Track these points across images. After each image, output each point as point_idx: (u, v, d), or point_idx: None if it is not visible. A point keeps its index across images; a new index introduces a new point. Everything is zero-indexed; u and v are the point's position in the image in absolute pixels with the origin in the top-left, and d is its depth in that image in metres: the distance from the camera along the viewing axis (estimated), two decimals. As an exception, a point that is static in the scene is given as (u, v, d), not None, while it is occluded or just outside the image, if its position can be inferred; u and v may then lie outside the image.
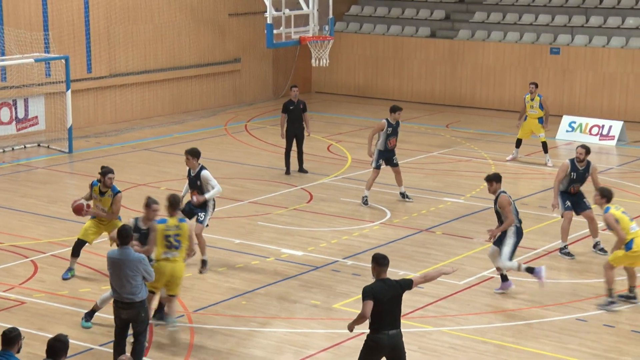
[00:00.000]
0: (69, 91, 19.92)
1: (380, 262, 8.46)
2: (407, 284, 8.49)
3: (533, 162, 19.34)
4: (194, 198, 12.00)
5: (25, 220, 14.60)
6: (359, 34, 28.10)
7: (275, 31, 19.10)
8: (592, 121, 21.94)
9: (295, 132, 17.71)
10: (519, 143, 19.07)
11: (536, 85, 18.85)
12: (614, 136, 21.42)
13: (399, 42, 27.29)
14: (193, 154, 12.00)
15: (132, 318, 9.15)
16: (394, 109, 15.80)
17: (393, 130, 15.85)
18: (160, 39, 24.11)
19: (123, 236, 9.17)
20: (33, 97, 21.27)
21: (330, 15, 20.29)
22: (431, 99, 26.73)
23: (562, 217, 13.14)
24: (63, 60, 19.86)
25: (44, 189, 16.63)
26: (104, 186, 11.79)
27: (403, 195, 16.07)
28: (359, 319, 8.40)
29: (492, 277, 12.21)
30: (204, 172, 12.03)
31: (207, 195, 11.98)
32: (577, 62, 24.74)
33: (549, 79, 25.16)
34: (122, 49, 23.21)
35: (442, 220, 14.97)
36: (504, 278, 11.66)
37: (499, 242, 11.55)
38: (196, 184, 12.07)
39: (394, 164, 15.98)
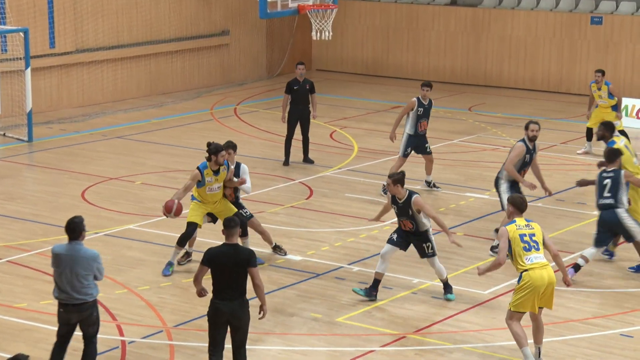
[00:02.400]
0: (29, 69, 19.92)
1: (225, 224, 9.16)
2: None
3: (569, 150, 19.33)
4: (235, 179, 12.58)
5: (-23, 221, 14.64)
6: (366, 1, 28.07)
7: (269, -1, 19.09)
8: (639, 103, 21.92)
9: (299, 117, 17.74)
10: (589, 134, 18.81)
11: (603, 73, 18.86)
12: (666, 121, 21.41)
13: (413, 11, 27.25)
14: (235, 147, 12.85)
15: (84, 320, 9.22)
16: (424, 85, 15.95)
17: (425, 111, 16.01)
18: (135, 8, 24.10)
19: (71, 230, 9.14)
20: (-13, 77, 21.28)
21: (334, -20, 20.26)
22: (451, 78, 26.72)
23: (504, 209, 13.39)
24: (21, 33, 19.86)
25: (-1, 183, 16.69)
26: (216, 164, 12.29)
27: (429, 183, 16.20)
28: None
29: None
30: (244, 166, 12.97)
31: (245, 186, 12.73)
32: (623, 33, 24.71)
33: (589, 54, 25.13)
34: (90, 20, 23.21)
35: (463, 219, 14.98)
36: None
37: None
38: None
39: (426, 152, 16.18)
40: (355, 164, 18.27)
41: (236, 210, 12.66)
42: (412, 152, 16.22)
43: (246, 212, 13.05)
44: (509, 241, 9.81)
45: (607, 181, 12.59)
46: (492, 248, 13.58)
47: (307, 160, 17.99)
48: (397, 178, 11.66)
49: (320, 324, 11.16)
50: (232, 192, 12.83)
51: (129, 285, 12.18)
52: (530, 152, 13.58)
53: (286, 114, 17.79)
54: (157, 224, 14.58)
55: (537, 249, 9.82)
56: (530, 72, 25.75)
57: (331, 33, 21.45)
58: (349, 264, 12.98)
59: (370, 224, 14.52)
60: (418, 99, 16.07)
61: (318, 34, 20.81)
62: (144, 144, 19.75)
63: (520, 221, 9.93)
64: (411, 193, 11.70)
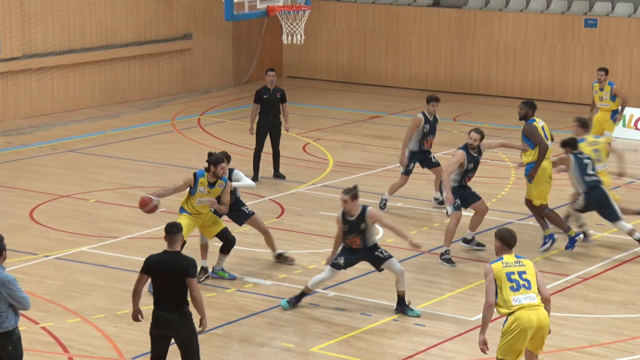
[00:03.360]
0: (-29, 77, 19.81)
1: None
2: None
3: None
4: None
5: None
6: (342, 2, 28.18)
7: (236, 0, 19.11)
8: (638, 112, 22.09)
9: (269, 128, 17.76)
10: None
11: (606, 72, 18.93)
12: (666, 131, 21.61)
13: (393, 13, 27.39)
14: (229, 159, 13.19)
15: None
16: (431, 99, 16.20)
17: (431, 127, 16.07)
18: (88, 9, 24.05)
19: None
20: None
21: (305, -21, 20.33)
22: (434, 85, 26.84)
23: (448, 215, 14.10)
24: (-37, 38, 19.74)
25: (-62, 202, 16.54)
26: (213, 176, 12.65)
27: (439, 200, 16.46)
28: None
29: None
30: (237, 171, 13.49)
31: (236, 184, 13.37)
32: (619, 36, 24.95)
33: (583, 59, 25.34)
34: (39, 22, 23.13)
35: (448, 239, 15.01)
36: None
37: None
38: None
39: (433, 164, 16.43)
40: (330, 179, 18.28)
41: (225, 226, 13.04)
42: (416, 166, 16.40)
43: (248, 209, 13.59)
44: (495, 280, 9.38)
45: (587, 161, 14.49)
46: (442, 255, 14.01)
47: (277, 175, 17.99)
48: (355, 193, 11.98)
49: (293, 355, 11.14)
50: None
51: (82, 314, 12.10)
52: (474, 158, 14.22)
53: (254, 126, 17.79)
54: (113, 246, 14.51)
55: (528, 288, 9.36)
56: (519, 78, 25.92)
57: (303, 37, 21.52)
58: (324, 289, 12.97)
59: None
60: (424, 114, 16.13)
61: (289, 37, 20.88)
62: (99, 158, 19.68)
63: (508, 258, 9.51)
64: (364, 207, 12.02)
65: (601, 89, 18.90)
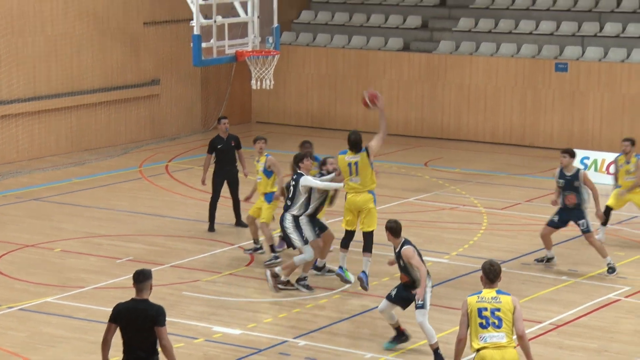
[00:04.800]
0: None
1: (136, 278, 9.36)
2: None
3: (535, 209, 19.58)
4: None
5: None
6: (312, 46, 28.39)
7: (204, 44, 19.20)
8: (610, 156, 22.29)
9: (226, 177, 17.76)
10: (607, 213, 17.00)
11: (632, 143, 16.98)
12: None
13: (363, 57, 27.60)
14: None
15: None
16: None
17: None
18: (54, 55, 24.07)
19: None
20: None
21: (275, 24, 20.49)
22: (405, 130, 27.01)
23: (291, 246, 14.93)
24: None
25: None
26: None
27: None
28: None
29: None
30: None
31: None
32: (590, 81, 25.25)
33: (554, 103, 25.61)
34: (3, 69, 23.11)
35: (421, 286, 15.02)
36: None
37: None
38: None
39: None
40: (300, 226, 18.29)
41: None
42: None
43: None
44: (468, 314, 9.30)
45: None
46: (299, 281, 14.64)
47: (239, 224, 17.95)
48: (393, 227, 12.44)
49: (263, 406, 11.06)
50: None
51: (47, 366, 11.99)
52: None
53: (205, 176, 17.80)
54: (79, 296, 14.42)
55: (498, 327, 9.19)
56: (491, 123, 26.14)
57: (273, 82, 21.56)
58: (294, 338, 12.93)
59: (319, 292, 14.53)
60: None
61: (258, 82, 20.93)
62: (64, 206, 19.60)
63: (487, 293, 9.36)
64: (404, 242, 12.46)
65: (627, 162, 16.91)
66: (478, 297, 9.39)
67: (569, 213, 15.41)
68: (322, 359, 12.29)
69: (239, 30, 20.28)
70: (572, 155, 15.54)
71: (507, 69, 26.05)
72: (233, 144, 17.77)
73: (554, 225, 15.57)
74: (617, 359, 12.42)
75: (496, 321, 9.25)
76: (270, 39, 20.87)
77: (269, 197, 15.91)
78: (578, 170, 15.45)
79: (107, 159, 23.95)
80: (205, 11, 19.19)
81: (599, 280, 15.25)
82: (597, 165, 22.24)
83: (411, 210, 19.45)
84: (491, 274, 9.43)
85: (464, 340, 9.37)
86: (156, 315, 9.24)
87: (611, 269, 15.33)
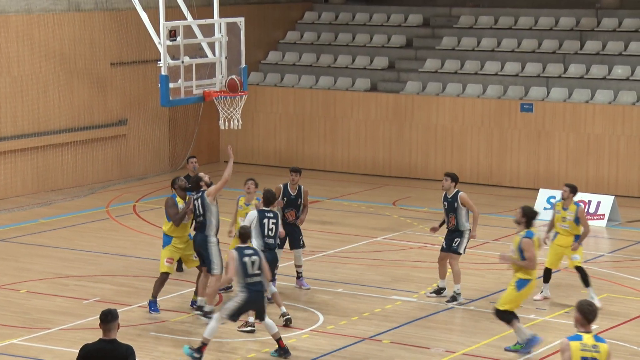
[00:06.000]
0: None
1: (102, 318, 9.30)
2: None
3: (502, 248, 19.63)
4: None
5: None
6: (279, 87, 28.49)
7: (171, 85, 19.20)
8: (586, 197, 22.44)
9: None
10: (547, 275, 16.30)
11: (572, 189, 16.12)
12: (603, 215, 21.99)
13: (330, 97, 27.73)
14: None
15: None
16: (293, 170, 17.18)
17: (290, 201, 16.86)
18: (20, 95, 23.98)
19: None
20: None
21: (243, 64, 20.52)
22: (373, 170, 27.10)
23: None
24: None
25: None
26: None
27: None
28: None
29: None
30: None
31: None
32: (555, 121, 25.49)
33: (520, 143, 25.81)
34: (-31, 108, 23.00)
35: (390, 325, 15.03)
36: None
37: None
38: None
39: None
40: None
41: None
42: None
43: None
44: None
45: None
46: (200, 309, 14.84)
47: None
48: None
49: None
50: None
51: (13, 409, 11.83)
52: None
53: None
54: (45, 338, 14.27)
55: None
56: (457, 163, 26.29)
57: (240, 122, 21.57)
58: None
59: (287, 332, 14.48)
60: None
61: (226, 122, 20.93)
62: (30, 247, 19.44)
63: (587, 339, 9.06)
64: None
65: (564, 208, 16.11)
66: (581, 344, 9.05)
67: (451, 234, 16.07)
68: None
69: (207, 70, 20.32)
70: (454, 179, 16.10)
71: (474, 109, 26.25)
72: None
73: (442, 249, 16.24)
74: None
75: None
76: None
77: None
78: (457, 192, 16.07)
79: (74, 199, 23.82)
80: (173, 52, 19.22)
81: (566, 319, 15.30)
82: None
83: (380, 250, 19.46)
84: (591, 315, 9.15)
85: None
86: (126, 355, 9.16)
87: (453, 298, 15.97)
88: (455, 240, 16.03)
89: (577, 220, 15.96)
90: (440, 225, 16.46)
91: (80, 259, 18.55)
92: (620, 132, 24.85)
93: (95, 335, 9.55)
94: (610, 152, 24.93)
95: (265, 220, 15.01)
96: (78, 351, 9.30)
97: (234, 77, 17.35)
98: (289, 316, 14.81)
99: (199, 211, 14.89)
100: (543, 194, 22.90)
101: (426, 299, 16.24)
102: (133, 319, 15.05)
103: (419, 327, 14.92)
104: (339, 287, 16.79)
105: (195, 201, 14.98)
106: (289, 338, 14.33)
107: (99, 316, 9.38)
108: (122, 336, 13.65)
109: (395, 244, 19.92)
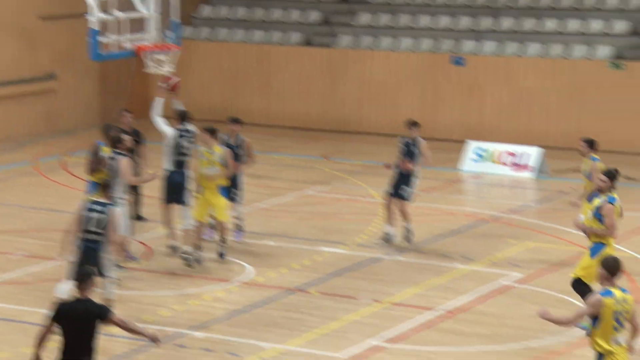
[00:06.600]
0: None
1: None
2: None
3: (433, 199, 19.83)
4: None
5: None
6: (212, 41, 28.25)
7: (102, 39, 18.97)
8: (503, 148, 22.70)
9: None
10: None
11: (590, 144, 15.35)
12: (531, 166, 22.23)
13: (264, 52, 27.58)
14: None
15: None
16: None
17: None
18: (-54, 49, 23.56)
19: None
20: None
21: (175, 19, 20.35)
22: (306, 123, 27.07)
23: None
24: None
25: None
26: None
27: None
28: None
29: (382, 348, 12.40)
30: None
31: None
32: (487, 75, 25.64)
33: (453, 97, 25.94)
34: None
35: (319, 276, 15.11)
36: None
37: None
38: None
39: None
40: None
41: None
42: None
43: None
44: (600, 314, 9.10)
45: None
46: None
47: (139, 217, 17.78)
48: None
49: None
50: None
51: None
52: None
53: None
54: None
55: (623, 327, 9.21)
56: (391, 117, 26.36)
57: (172, 68, 21.43)
58: (191, 330, 12.88)
59: (216, 284, 14.47)
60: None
61: (156, 70, 20.74)
62: (-43, 202, 19.20)
63: (618, 294, 9.19)
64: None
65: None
66: (614, 299, 9.17)
67: (401, 178, 16.35)
68: (220, 350, 12.26)
69: (139, 25, 20.11)
70: (414, 124, 16.58)
71: (407, 63, 26.30)
72: (136, 139, 17.54)
73: (390, 194, 16.45)
74: (509, 344, 12.65)
75: (624, 322, 9.25)
76: (170, 34, 20.74)
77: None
78: (417, 138, 16.51)
79: (2, 153, 23.50)
80: (104, 5, 19.00)
81: (492, 267, 15.52)
82: (491, 156, 22.59)
83: (309, 202, 19.51)
84: (616, 269, 9.23)
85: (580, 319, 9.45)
86: (99, 314, 9.09)
87: (386, 239, 16.27)
88: (402, 186, 16.31)
89: (590, 176, 15.10)
90: (389, 167, 16.55)
91: (9, 213, 18.34)
92: (551, 86, 25.09)
93: (22, 290, 9.48)
94: (541, 105, 25.17)
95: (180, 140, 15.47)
96: (54, 310, 9.10)
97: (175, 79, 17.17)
98: (189, 256, 15.02)
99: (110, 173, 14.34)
100: (472, 146, 23.05)
101: (355, 250, 16.34)
102: (60, 274, 14.93)
103: (347, 278, 15.02)
104: (270, 240, 16.82)
105: (110, 160, 14.53)
106: (218, 290, 14.34)
107: (74, 276, 9.31)
108: (46, 287, 13.48)
109: (326, 197, 19.98)
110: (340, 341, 12.52)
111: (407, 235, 16.40)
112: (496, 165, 22.35)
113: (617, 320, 9.15)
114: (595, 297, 9.22)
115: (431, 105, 26.16)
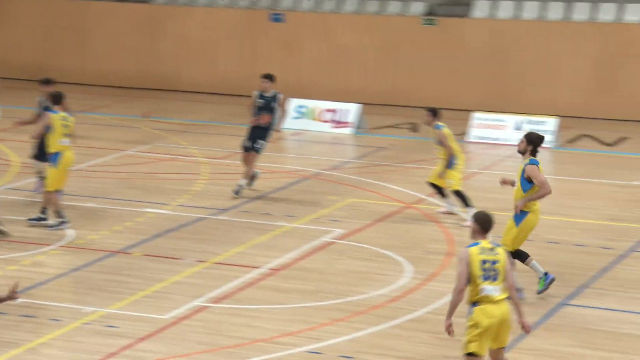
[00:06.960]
0: None
1: None
2: None
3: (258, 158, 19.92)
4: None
5: None
6: (23, -4, 27.41)
7: None
8: (323, 105, 23.00)
9: None
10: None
11: (434, 113, 15.68)
12: (350, 123, 22.62)
13: (80, 8, 26.93)
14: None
15: None
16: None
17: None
18: None
19: None
20: None
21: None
22: (123, 82, 26.66)
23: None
24: None
25: None
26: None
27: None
28: None
29: (206, 308, 12.43)
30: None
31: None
32: (305, 31, 25.83)
33: (271, 54, 26.02)
34: None
35: (141, 237, 15.00)
36: None
37: None
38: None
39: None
40: (16, 181, 17.74)
41: None
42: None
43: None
44: (468, 266, 9.16)
45: None
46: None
47: None
48: None
49: (-24, 368, 10.71)
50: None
51: None
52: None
53: None
54: None
55: (494, 280, 9.23)
56: (209, 74, 26.25)
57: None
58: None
59: (34, 248, 14.16)
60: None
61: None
62: None
63: (485, 244, 9.31)
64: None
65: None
66: (480, 248, 9.28)
67: (257, 131, 16.78)
68: (41, 316, 12.01)
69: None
70: (271, 79, 17.03)
71: (225, 20, 26.19)
72: None
73: (246, 149, 16.88)
74: (330, 298, 12.90)
75: (494, 274, 9.25)
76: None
77: None
78: (276, 93, 16.90)
79: None
80: None
81: (315, 224, 15.75)
82: (312, 113, 22.86)
83: (130, 162, 19.29)
84: (487, 224, 9.37)
85: (463, 291, 9.26)
86: None
87: (237, 191, 16.73)
88: (258, 140, 16.77)
89: (440, 143, 15.61)
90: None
91: None
92: (369, 44, 25.50)
93: None
94: (359, 63, 25.57)
95: None
96: None
97: None
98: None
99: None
100: (293, 103, 23.27)
101: (178, 210, 16.27)
102: None
103: (171, 239, 14.96)
104: (90, 202, 16.54)
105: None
106: (38, 255, 14.04)
107: None
108: None
109: (146, 157, 19.80)
110: (164, 302, 12.48)
111: (239, 190, 16.55)
112: (316, 123, 22.64)
113: (485, 270, 9.25)
114: (460, 250, 9.43)
115: (249, 63, 26.18)
